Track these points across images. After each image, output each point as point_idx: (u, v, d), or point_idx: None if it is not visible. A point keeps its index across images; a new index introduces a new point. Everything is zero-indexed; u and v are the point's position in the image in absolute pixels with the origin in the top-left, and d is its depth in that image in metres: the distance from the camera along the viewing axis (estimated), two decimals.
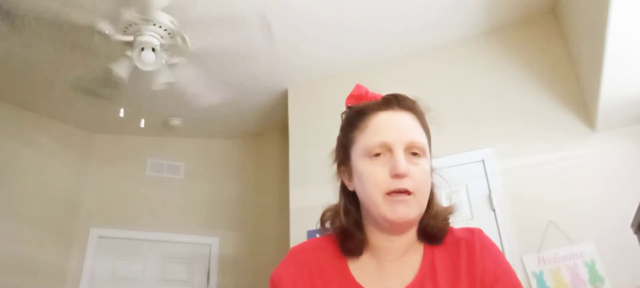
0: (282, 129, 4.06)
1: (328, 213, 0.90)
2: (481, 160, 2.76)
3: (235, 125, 4.27)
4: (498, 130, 2.80)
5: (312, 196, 3.06)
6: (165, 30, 2.60)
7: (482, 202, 2.67)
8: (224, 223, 4.16)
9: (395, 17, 2.92)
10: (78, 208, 3.89)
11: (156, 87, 2.92)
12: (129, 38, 2.58)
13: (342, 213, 0.87)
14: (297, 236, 3.07)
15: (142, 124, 3.53)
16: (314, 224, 0.93)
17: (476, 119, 2.88)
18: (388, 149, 0.80)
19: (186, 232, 4.06)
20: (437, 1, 2.81)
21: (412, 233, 0.85)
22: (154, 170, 4.24)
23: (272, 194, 4.05)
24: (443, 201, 0.90)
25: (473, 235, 0.84)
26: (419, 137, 0.83)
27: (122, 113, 3.16)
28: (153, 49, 2.55)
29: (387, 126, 0.82)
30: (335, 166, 0.92)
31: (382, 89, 0.90)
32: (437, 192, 0.88)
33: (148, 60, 2.54)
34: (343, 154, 0.89)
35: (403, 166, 0.77)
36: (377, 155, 0.80)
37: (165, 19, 2.56)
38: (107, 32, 2.56)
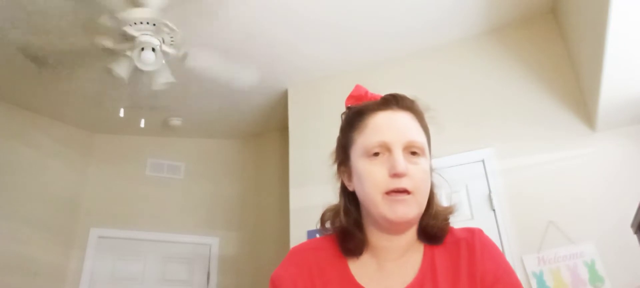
0: (282, 129, 4.06)
1: (328, 214, 0.90)
2: (481, 160, 2.76)
3: (235, 125, 4.27)
4: (498, 130, 2.80)
5: (312, 196, 3.06)
6: (166, 29, 2.60)
7: (482, 202, 2.67)
8: (224, 223, 4.16)
9: (395, 17, 2.92)
10: (78, 208, 3.89)
11: (156, 87, 2.92)
12: (130, 44, 2.57)
13: (342, 213, 0.87)
14: (297, 236, 3.07)
15: (142, 124, 3.54)
16: (314, 224, 0.93)
17: (476, 119, 2.88)
18: (387, 149, 0.80)
19: (186, 232, 4.06)
20: (437, 1, 2.81)
21: (412, 233, 0.85)
22: (154, 170, 4.24)
23: (272, 194, 4.05)
24: (443, 201, 0.90)
25: (473, 235, 0.84)
26: (418, 137, 0.83)
27: (122, 113, 3.16)
28: (153, 49, 2.55)
29: (385, 126, 0.82)
30: (335, 166, 0.92)
31: (382, 89, 0.91)
32: (437, 191, 0.88)
33: (148, 60, 2.54)
34: (343, 154, 0.89)
35: (402, 165, 0.77)
36: (376, 154, 0.80)
37: (165, 19, 2.55)
38: (108, 44, 2.56)
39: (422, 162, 0.81)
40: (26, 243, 3.45)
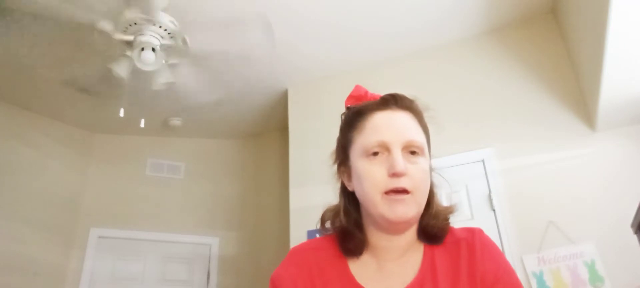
0: (282, 129, 4.06)
1: (328, 214, 0.90)
2: (481, 160, 2.76)
3: (235, 125, 4.27)
4: (498, 130, 2.80)
5: (312, 196, 3.06)
6: (166, 30, 2.61)
7: (482, 202, 2.67)
8: (224, 223, 4.16)
9: (395, 17, 2.92)
10: (78, 208, 3.89)
11: (156, 87, 2.92)
12: (130, 37, 2.58)
13: (342, 213, 0.87)
14: (297, 236, 3.07)
15: (142, 124, 3.54)
16: (314, 224, 0.93)
17: (476, 119, 2.88)
18: (386, 148, 0.80)
19: (186, 232, 4.06)
20: (437, 1, 2.81)
21: (412, 233, 0.85)
22: (154, 170, 4.24)
23: (272, 194, 4.05)
24: (443, 201, 0.90)
25: (473, 235, 0.84)
26: (417, 136, 0.83)
27: (122, 113, 3.16)
28: (153, 49, 2.55)
29: (384, 125, 0.82)
30: (335, 167, 0.92)
31: (382, 90, 0.90)
32: (437, 191, 0.88)
33: (148, 60, 2.54)
34: (342, 155, 0.89)
35: (401, 165, 0.77)
36: (375, 154, 0.80)
37: (165, 19, 2.56)
38: (108, 29, 2.56)
39: (422, 162, 0.81)
40: (26, 243, 3.45)
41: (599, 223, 2.37)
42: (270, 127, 4.27)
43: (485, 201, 2.67)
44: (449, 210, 0.87)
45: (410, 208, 0.79)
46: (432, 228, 0.84)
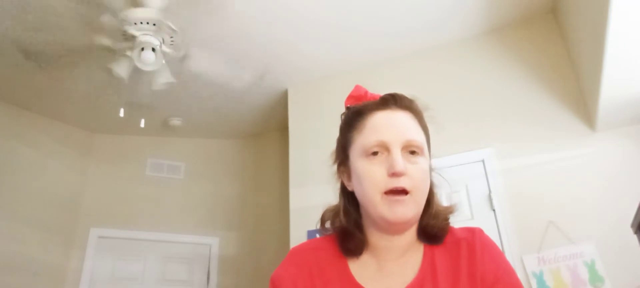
0: (282, 129, 4.06)
1: (328, 214, 0.90)
2: (481, 160, 2.76)
3: (235, 125, 4.27)
4: (498, 130, 2.80)
5: (312, 196, 3.06)
6: (172, 38, 2.61)
7: (482, 202, 2.67)
8: (224, 223, 4.16)
9: (395, 17, 2.92)
10: (78, 208, 3.89)
11: (156, 87, 2.92)
12: (129, 43, 2.57)
13: (341, 213, 0.87)
14: (297, 236, 3.07)
15: (142, 124, 3.54)
16: (314, 224, 0.93)
17: (476, 119, 2.88)
18: (385, 148, 0.80)
19: (186, 232, 4.06)
20: (437, 1, 2.81)
21: (412, 233, 0.85)
22: (154, 170, 4.24)
23: (272, 194, 4.05)
24: (443, 201, 0.90)
25: (474, 235, 0.84)
26: (417, 136, 0.83)
27: (122, 113, 3.16)
28: (153, 49, 2.55)
29: (384, 125, 0.82)
30: (335, 167, 0.92)
31: (382, 89, 0.90)
32: (437, 191, 0.88)
33: (148, 60, 2.54)
34: (342, 155, 0.89)
35: (400, 164, 0.77)
36: (375, 154, 0.80)
37: (165, 19, 2.56)
38: (107, 42, 2.56)
39: (421, 162, 0.81)
40: (26, 243, 3.45)
41: (599, 223, 2.37)
42: (270, 127, 4.27)
43: (485, 201, 2.67)
44: (449, 210, 0.87)
45: (410, 209, 0.79)
46: (432, 228, 0.84)
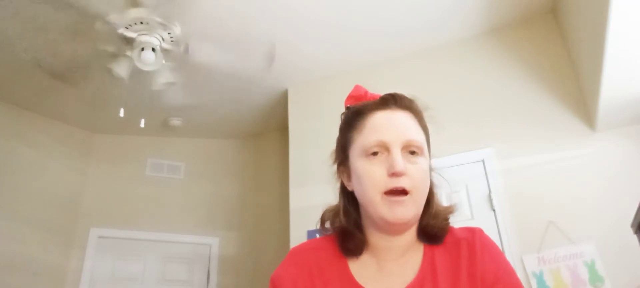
0: (282, 129, 4.06)
1: (328, 214, 0.90)
2: (481, 160, 2.76)
3: (235, 125, 4.28)
4: (498, 130, 2.80)
5: (312, 196, 3.06)
6: (170, 34, 2.61)
7: (482, 202, 2.67)
8: (224, 223, 4.16)
9: (395, 17, 2.92)
10: (78, 208, 3.89)
11: (156, 87, 2.92)
12: (133, 34, 2.57)
13: (341, 213, 0.87)
14: (297, 236, 3.07)
15: (142, 124, 3.54)
16: (314, 224, 0.93)
17: (476, 119, 2.88)
18: (385, 148, 0.80)
19: (186, 232, 4.06)
20: (437, 1, 2.81)
21: (412, 233, 0.85)
22: (154, 170, 4.24)
23: (272, 194, 4.05)
24: (443, 201, 0.90)
25: (474, 235, 0.84)
26: (417, 136, 0.82)
27: (122, 113, 3.16)
28: (153, 49, 2.55)
29: (384, 125, 0.82)
30: (334, 167, 0.92)
31: (382, 90, 0.90)
32: (437, 191, 0.88)
33: (148, 60, 2.55)
34: (342, 155, 0.89)
35: (400, 164, 0.77)
36: (375, 154, 0.80)
37: (164, 18, 2.56)
38: (112, 22, 2.54)
39: (421, 162, 0.81)
40: (26, 243, 3.45)
41: (599, 223, 2.37)
42: (270, 127, 4.27)
43: (485, 201, 2.67)
44: (449, 210, 0.87)
45: (409, 210, 0.79)
46: (432, 228, 0.84)
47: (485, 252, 0.81)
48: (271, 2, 2.75)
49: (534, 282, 2.39)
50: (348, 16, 2.90)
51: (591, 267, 2.31)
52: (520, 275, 2.18)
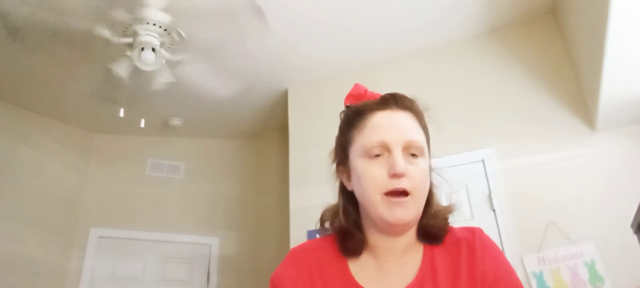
0: (282, 129, 4.06)
1: (327, 214, 0.90)
2: (481, 160, 2.76)
3: (235, 125, 4.27)
4: (498, 130, 2.80)
5: (312, 196, 3.06)
6: (156, 24, 2.59)
7: (482, 202, 2.67)
8: (224, 223, 4.16)
9: (395, 17, 2.92)
10: (78, 208, 3.89)
11: (156, 87, 2.92)
12: (129, 40, 2.57)
13: (341, 213, 0.87)
14: (297, 236, 3.07)
15: (142, 124, 3.54)
16: (314, 224, 0.93)
17: (476, 119, 2.88)
18: (386, 149, 0.80)
19: (186, 232, 4.06)
20: (437, 1, 2.81)
21: (412, 233, 0.85)
22: (154, 170, 4.24)
23: (272, 194, 4.05)
24: (443, 201, 0.90)
25: (474, 235, 0.84)
26: (418, 136, 0.82)
27: (122, 113, 3.16)
28: (153, 49, 2.55)
29: (385, 126, 0.82)
30: (334, 166, 0.92)
31: (382, 89, 0.90)
32: (436, 191, 0.88)
33: (148, 60, 2.54)
34: (342, 154, 0.89)
35: (401, 166, 0.77)
36: (376, 155, 0.80)
37: (154, 14, 2.54)
38: (106, 34, 2.55)
39: (421, 162, 0.81)
40: (26, 243, 3.45)
41: (599, 223, 2.37)
42: (270, 127, 4.27)
43: (485, 201, 2.67)
44: (448, 210, 0.87)
45: (410, 211, 0.78)
46: (432, 228, 0.84)
47: (485, 252, 0.81)
48: (271, 2, 2.75)
49: (534, 282, 2.39)
50: (348, 16, 2.90)
51: (591, 267, 2.31)
52: (520, 275, 2.18)
